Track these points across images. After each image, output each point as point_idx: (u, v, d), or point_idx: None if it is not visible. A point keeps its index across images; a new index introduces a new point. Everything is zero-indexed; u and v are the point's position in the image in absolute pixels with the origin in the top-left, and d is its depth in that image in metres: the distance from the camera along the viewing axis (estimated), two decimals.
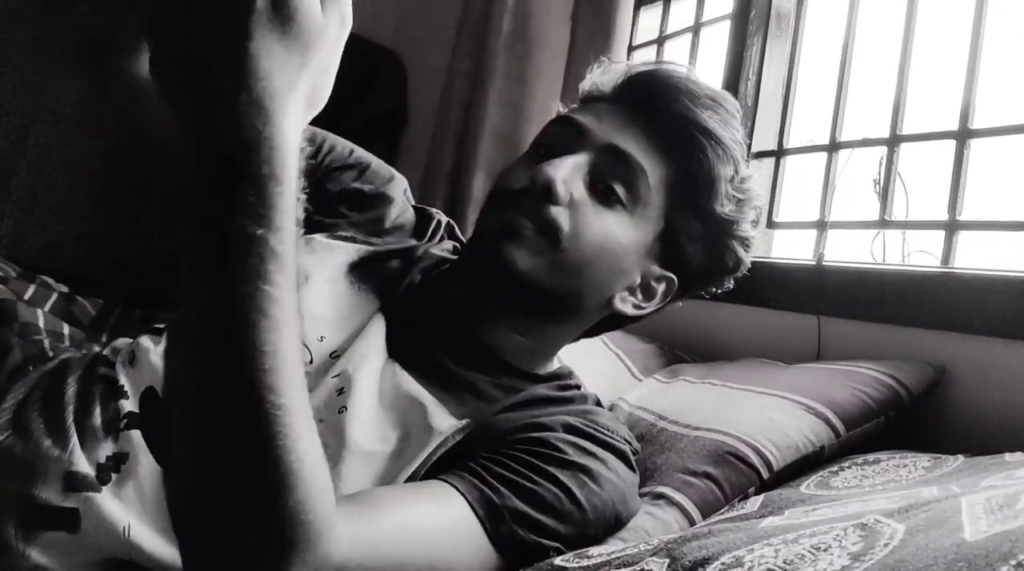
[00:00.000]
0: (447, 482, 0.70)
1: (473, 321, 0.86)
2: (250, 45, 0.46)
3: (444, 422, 0.76)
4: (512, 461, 0.73)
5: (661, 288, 0.89)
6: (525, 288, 0.82)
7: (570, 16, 1.85)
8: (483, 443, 0.76)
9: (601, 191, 0.83)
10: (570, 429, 0.78)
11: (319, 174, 0.95)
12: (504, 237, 0.81)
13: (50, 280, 1.44)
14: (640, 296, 0.89)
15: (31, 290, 1.38)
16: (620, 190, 0.83)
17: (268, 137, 0.46)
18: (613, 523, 0.78)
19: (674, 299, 0.92)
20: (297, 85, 0.48)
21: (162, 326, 0.87)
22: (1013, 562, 0.45)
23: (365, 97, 2.37)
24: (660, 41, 1.93)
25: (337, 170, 0.96)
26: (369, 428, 0.76)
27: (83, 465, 0.72)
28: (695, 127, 0.84)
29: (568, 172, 0.82)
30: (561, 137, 0.87)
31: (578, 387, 0.91)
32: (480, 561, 0.68)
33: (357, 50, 2.35)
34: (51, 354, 1.18)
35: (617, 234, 0.83)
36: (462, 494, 0.69)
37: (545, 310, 0.86)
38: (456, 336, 0.86)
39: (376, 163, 0.99)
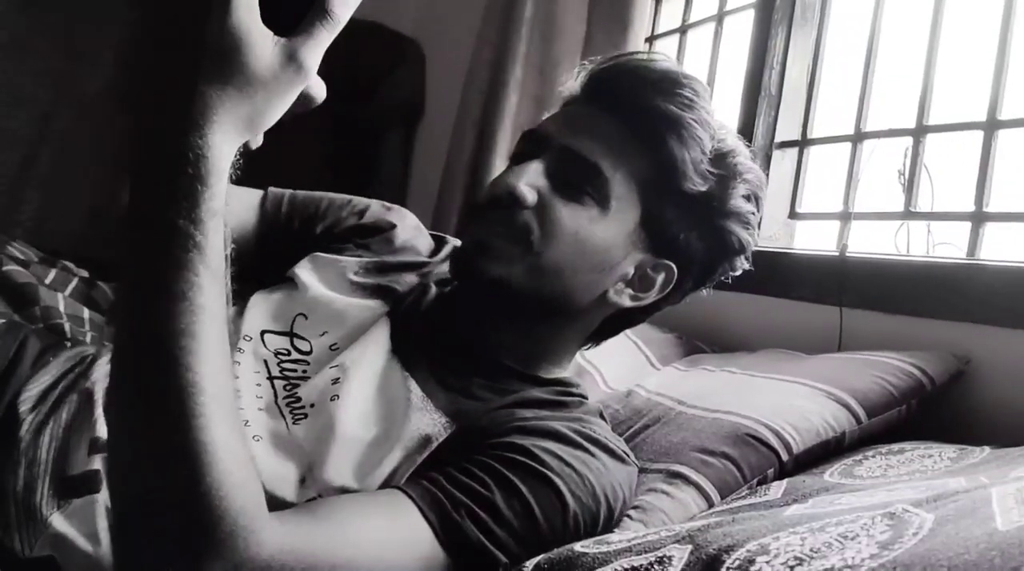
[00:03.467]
0: (403, 491, 0.71)
1: (475, 326, 0.88)
2: (199, 80, 0.54)
3: (425, 418, 0.79)
4: (479, 468, 0.72)
5: (660, 277, 0.88)
6: (507, 295, 0.84)
7: (587, 4, 1.84)
8: (465, 443, 0.76)
9: (567, 190, 0.84)
10: (554, 436, 0.77)
11: (327, 221, 1.00)
12: (476, 252, 0.85)
13: (71, 265, 1.45)
14: (637, 287, 0.88)
15: (52, 274, 1.39)
16: (585, 186, 0.84)
17: (198, 147, 0.54)
18: (599, 524, 0.76)
19: (684, 287, 0.91)
20: (235, 111, 0.55)
21: None
22: None
23: (384, 85, 2.37)
24: (682, 30, 1.91)
25: (341, 216, 1.01)
26: (357, 416, 0.79)
27: (104, 432, 0.77)
28: (652, 114, 0.84)
29: (531, 177, 0.84)
30: (527, 147, 0.89)
31: (582, 396, 0.90)
32: (430, 569, 0.69)
33: (378, 38, 2.37)
34: (70, 336, 1.20)
35: (591, 229, 0.84)
36: (416, 502, 0.69)
37: (535, 313, 0.87)
38: (458, 340, 0.88)
39: (375, 202, 1.04)
